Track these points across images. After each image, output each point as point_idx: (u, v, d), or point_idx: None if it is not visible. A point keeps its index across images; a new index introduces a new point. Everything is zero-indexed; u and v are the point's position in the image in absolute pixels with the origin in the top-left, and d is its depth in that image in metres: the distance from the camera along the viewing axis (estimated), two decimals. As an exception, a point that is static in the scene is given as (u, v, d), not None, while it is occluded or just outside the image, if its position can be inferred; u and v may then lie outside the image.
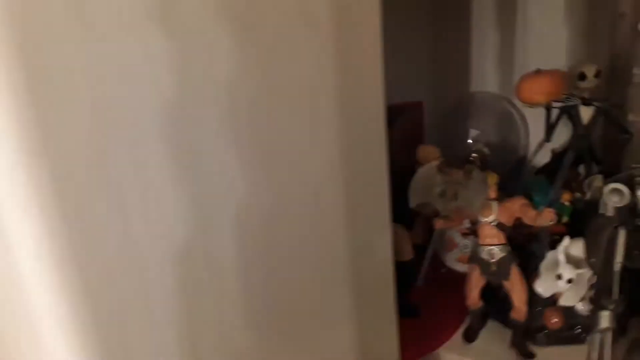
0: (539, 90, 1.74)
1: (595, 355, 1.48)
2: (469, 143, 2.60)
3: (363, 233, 1.34)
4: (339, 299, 1.20)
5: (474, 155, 2.63)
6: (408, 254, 2.06)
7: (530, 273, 1.78)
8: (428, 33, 2.49)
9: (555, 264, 1.71)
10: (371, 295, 1.46)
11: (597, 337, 1.46)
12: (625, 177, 1.41)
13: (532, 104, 1.77)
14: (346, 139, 1.07)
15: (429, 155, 1.93)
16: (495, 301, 1.85)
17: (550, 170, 1.96)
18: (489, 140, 2.49)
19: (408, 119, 2.34)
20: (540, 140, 2.11)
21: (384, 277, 1.54)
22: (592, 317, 1.50)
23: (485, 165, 2.43)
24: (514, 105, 2.29)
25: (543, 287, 1.80)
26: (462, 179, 1.73)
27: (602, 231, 1.42)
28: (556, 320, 1.76)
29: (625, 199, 1.39)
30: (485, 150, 2.65)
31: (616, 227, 1.39)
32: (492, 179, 1.74)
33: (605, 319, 1.42)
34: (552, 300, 1.75)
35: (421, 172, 1.82)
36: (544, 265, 1.82)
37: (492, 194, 1.77)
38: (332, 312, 1.19)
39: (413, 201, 1.84)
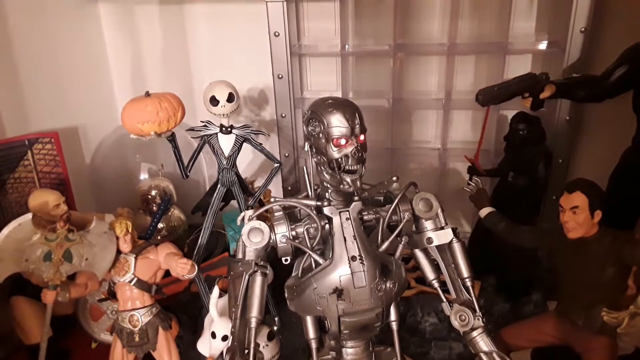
0: (143, 117, 1.39)
1: None
2: (145, 180, 2.23)
3: None
4: None
5: (151, 194, 2.32)
6: (34, 336, 1.55)
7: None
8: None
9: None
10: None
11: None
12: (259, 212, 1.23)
13: (140, 135, 1.45)
14: None
15: (45, 204, 1.45)
16: None
17: (205, 207, 1.71)
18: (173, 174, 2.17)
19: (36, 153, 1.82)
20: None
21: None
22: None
23: (166, 206, 2.16)
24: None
25: (203, 345, 1.53)
26: (75, 234, 1.33)
27: (240, 277, 1.20)
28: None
29: (265, 239, 1.20)
30: (168, 185, 2.34)
31: (253, 273, 1.19)
32: (122, 227, 1.38)
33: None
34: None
35: (12, 230, 1.32)
36: (206, 321, 1.55)
37: (125, 246, 1.42)
38: None
39: (2, 272, 1.32)
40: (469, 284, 1.24)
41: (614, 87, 1.58)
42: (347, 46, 2.09)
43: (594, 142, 2.03)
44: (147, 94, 1.44)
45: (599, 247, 1.30)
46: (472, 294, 1.23)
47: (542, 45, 1.98)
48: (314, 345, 1.23)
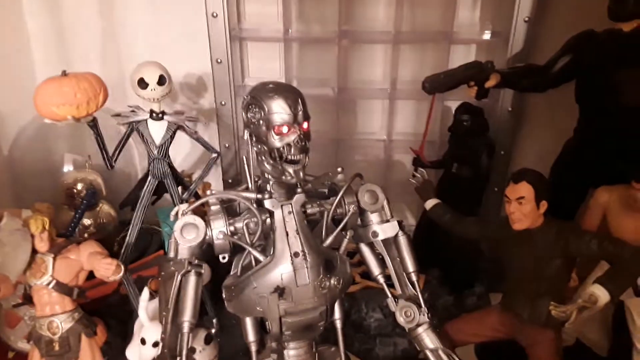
0: (59, 99, 1.24)
1: None
2: (70, 172, 2.05)
3: None
4: None
5: (77, 188, 2.12)
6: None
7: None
8: None
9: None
10: None
11: None
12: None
13: (55, 119, 1.29)
14: None
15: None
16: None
17: (134, 201, 1.57)
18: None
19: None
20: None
21: None
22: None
23: (90, 200, 1.98)
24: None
25: (132, 353, 1.41)
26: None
27: (172, 278, 1.09)
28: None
29: (200, 235, 1.10)
30: (96, 179, 2.15)
31: (186, 273, 1.09)
32: (38, 224, 1.23)
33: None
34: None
35: None
36: (135, 326, 1.43)
37: (42, 245, 1.27)
38: None
39: None
40: (414, 278, 1.20)
41: (558, 77, 1.59)
42: (290, 31, 2.00)
43: (536, 133, 2.05)
44: (64, 73, 1.29)
45: (544, 239, 1.29)
46: (418, 289, 1.19)
47: (487, 35, 1.97)
48: (253, 348, 1.16)
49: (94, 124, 1.35)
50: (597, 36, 1.55)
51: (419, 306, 1.18)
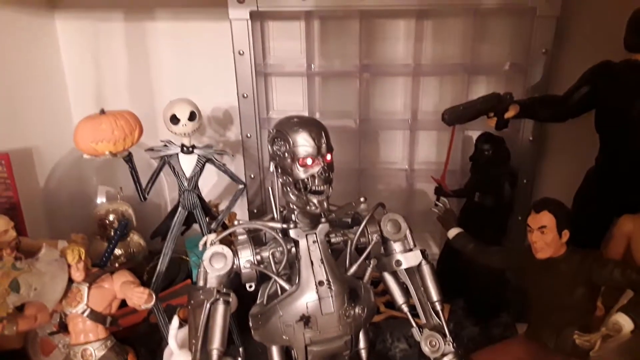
0: (97, 136, 1.32)
1: None
2: (102, 204, 2.13)
3: None
4: None
5: (109, 219, 2.21)
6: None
7: None
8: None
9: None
10: None
11: None
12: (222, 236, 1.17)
13: (94, 155, 1.36)
14: None
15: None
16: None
17: (165, 231, 1.63)
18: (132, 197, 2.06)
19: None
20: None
21: None
22: None
23: (123, 230, 2.05)
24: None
25: (163, 381, 1.44)
26: (23, 263, 1.24)
27: (201, 306, 1.13)
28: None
29: (229, 264, 1.14)
30: (127, 209, 2.24)
31: (215, 302, 1.12)
32: (74, 254, 1.29)
33: None
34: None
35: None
36: (165, 353, 1.46)
37: (78, 275, 1.33)
38: None
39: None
40: (438, 307, 1.21)
41: (577, 107, 1.61)
42: (313, 66, 2.07)
43: (558, 162, 2.05)
44: (102, 112, 1.37)
45: (567, 267, 1.29)
46: (442, 318, 1.20)
47: (505, 67, 2.01)
48: (280, 376, 1.18)
49: (129, 159, 1.42)
50: (614, 67, 1.56)
51: (444, 336, 1.18)
